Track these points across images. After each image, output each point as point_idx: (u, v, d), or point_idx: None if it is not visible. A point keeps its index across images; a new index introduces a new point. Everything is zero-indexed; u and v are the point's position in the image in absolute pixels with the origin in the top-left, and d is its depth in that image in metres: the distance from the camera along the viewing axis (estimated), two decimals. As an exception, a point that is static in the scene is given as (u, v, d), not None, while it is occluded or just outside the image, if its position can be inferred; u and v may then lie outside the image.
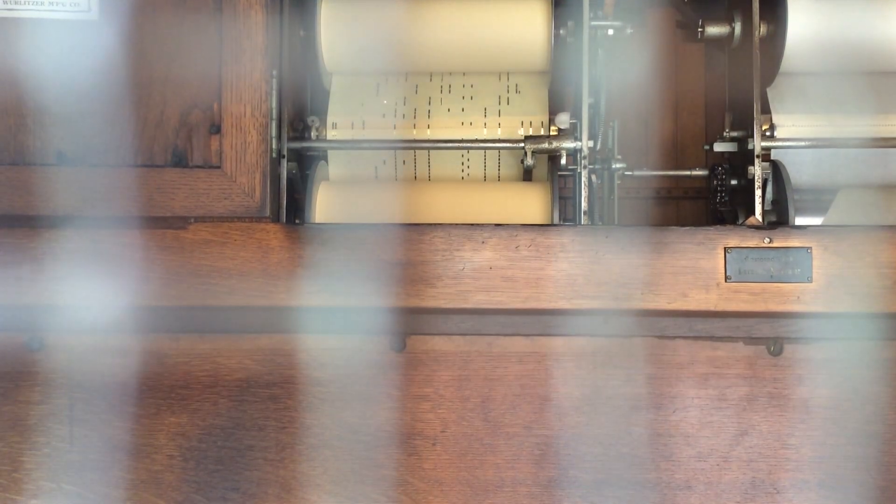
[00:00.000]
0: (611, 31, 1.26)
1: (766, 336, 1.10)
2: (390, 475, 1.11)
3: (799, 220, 1.23)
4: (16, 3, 1.09)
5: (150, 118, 1.08)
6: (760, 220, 1.16)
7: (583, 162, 1.18)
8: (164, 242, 1.07)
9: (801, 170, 1.28)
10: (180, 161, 1.08)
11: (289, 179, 1.15)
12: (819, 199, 1.27)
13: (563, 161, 1.21)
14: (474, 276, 1.07)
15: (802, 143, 1.23)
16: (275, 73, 1.10)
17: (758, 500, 1.10)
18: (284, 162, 1.14)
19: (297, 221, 1.18)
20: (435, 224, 1.08)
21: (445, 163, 1.30)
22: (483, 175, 1.31)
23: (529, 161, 1.21)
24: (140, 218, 1.08)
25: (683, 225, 1.07)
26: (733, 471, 1.10)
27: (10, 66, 1.09)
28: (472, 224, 1.08)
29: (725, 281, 1.06)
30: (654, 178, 1.55)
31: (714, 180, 1.37)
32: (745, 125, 1.26)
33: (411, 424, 1.11)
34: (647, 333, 1.10)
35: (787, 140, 1.24)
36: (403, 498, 1.11)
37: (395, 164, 1.30)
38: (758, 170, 1.18)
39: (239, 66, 1.09)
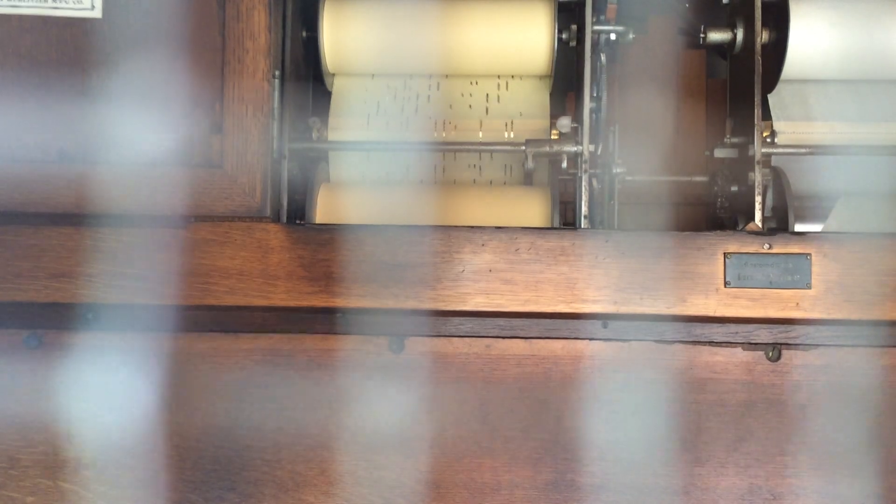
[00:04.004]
0: (613, 36, 1.26)
1: (764, 342, 1.10)
2: (387, 477, 1.11)
3: (799, 227, 1.23)
4: None
5: (152, 117, 1.08)
6: (760, 226, 1.16)
7: (584, 166, 1.18)
8: (164, 241, 1.07)
9: (801, 176, 1.28)
10: (181, 160, 1.08)
11: (290, 180, 1.15)
12: (819, 206, 1.27)
13: (564, 165, 1.21)
14: (474, 278, 1.07)
15: (803, 150, 1.23)
16: (277, 73, 1.11)
17: (755, 506, 1.10)
18: (285, 163, 1.14)
19: (297, 222, 1.18)
20: (435, 226, 1.08)
21: (446, 165, 1.30)
22: (483, 178, 1.31)
23: (530, 164, 1.21)
24: (140, 216, 1.08)
25: (683, 230, 1.08)
26: (731, 476, 1.10)
27: (12, 63, 1.09)
28: (471, 226, 1.08)
29: (725, 286, 1.06)
30: (655, 184, 1.54)
31: (714, 186, 1.37)
32: (745, 131, 1.26)
33: (409, 426, 1.11)
34: (645, 338, 1.10)
35: (788, 147, 1.24)
36: (400, 500, 1.11)
37: (395, 167, 1.30)
38: (758, 176, 1.18)
39: (241, 67, 1.09)
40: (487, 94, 1.31)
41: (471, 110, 1.29)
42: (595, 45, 1.24)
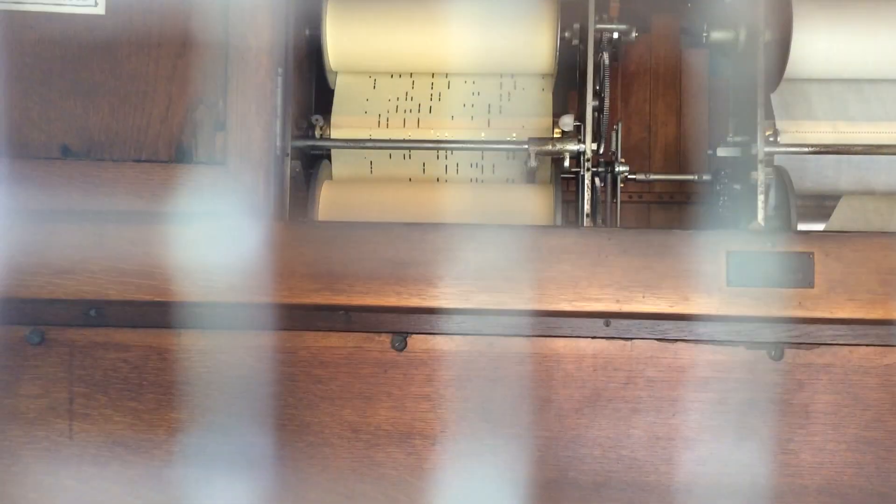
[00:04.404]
0: (616, 35, 1.26)
1: (766, 340, 1.10)
2: (389, 474, 1.11)
3: (801, 226, 1.23)
4: (23, -4, 1.09)
5: (156, 114, 1.09)
6: (763, 224, 1.16)
7: (586, 164, 1.18)
8: (168, 238, 1.07)
9: (803, 175, 1.28)
10: (185, 157, 1.08)
11: (292, 178, 1.15)
12: (821, 205, 1.27)
13: (567, 163, 1.22)
14: (476, 276, 1.07)
15: (806, 150, 1.24)
16: (280, 71, 1.11)
17: (757, 504, 1.10)
18: (288, 160, 1.14)
19: (300, 220, 1.18)
20: (438, 224, 1.08)
21: (449, 163, 1.30)
22: (485, 176, 1.31)
23: (533, 163, 1.21)
24: (143, 213, 1.08)
25: (686, 229, 1.07)
26: (732, 475, 1.10)
27: (15, 59, 1.09)
28: (475, 224, 1.08)
29: (727, 285, 1.06)
30: (658, 182, 1.55)
31: (717, 185, 1.37)
32: (748, 130, 1.26)
33: (411, 424, 1.11)
34: (648, 336, 1.10)
35: (791, 146, 1.24)
36: (402, 497, 1.11)
37: (398, 164, 1.30)
38: (761, 175, 1.18)
39: (245, 64, 1.09)
40: (490, 93, 1.31)
41: (474, 108, 1.29)
42: (598, 43, 1.24)
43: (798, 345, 1.10)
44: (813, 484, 1.10)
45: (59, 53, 1.09)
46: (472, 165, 1.30)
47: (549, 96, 1.31)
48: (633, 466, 1.10)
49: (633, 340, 1.11)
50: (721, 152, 1.33)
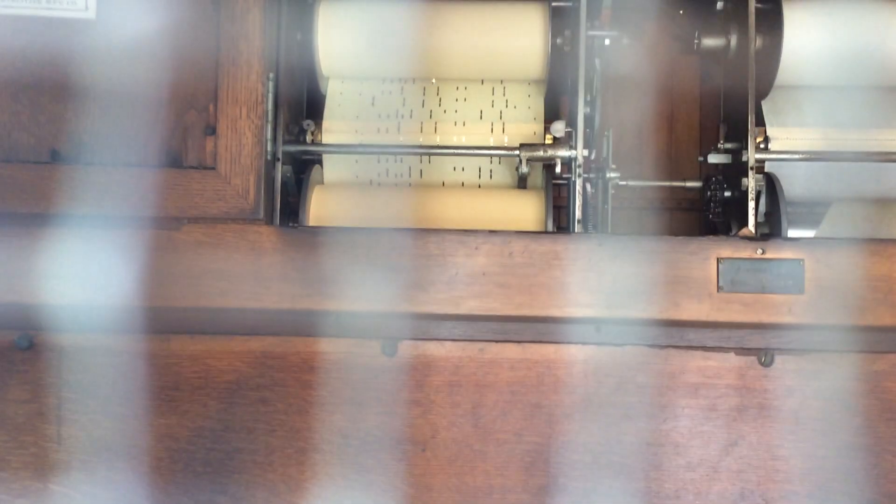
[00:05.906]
0: (607, 41, 1.26)
1: (757, 347, 1.10)
2: (379, 480, 1.11)
3: (792, 233, 1.23)
4: None
5: (146, 118, 1.08)
6: (753, 231, 1.16)
7: (577, 171, 1.18)
8: (157, 243, 1.07)
9: (794, 182, 1.28)
10: (175, 161, 1.08)
11: (283, 183, 1.15)
12: (812, 212, 1.27)
13: (558, 170, 1.22)
14: (467, 281, 1.07)
15: (796, 156, 1.24)
16: (271, 75, 1.10)
17: (747, 511, 1.10)
18: (279, 165, 1.14)
19: (290, 225, 1.18)
20: (428, 229, 1.08)
21: (440, 169, 1.30)
22: (477, 182, 1.31)
23: (524, 169, 1.21)
24: (133, 218, 1.07)
25: (677, 235, 1.08)
26: (722, 481, 1.10)
27: (5, 63, 1.09)
28: (465, 230, 1.08)
29: (717, 291, 1.06)
30: (649, 189, 1.55)
31: (708, 191, 1.37)
32: (739, 137, 1.26)
33: (401, 429, 1.11)
34: (638, 342, 1.10)
35: (782, 153, 1.24)
36: (392, 503, 1.11)
37: (389, 170, 1.30)
38: (751, 182, 1.18)
39: (236, 68, 1.09)
40: (482, 98, 1.31)
41: (465, 114, 1.29)
42: (589, 49, 1.24)
43: (788, 351, 1.10)
44: (803, 490, 1.10)
45: (49, 57, 1.09)
46: (462, 171, 1.30)
47: (541, 102, 1.31)
48: (624, 472, 1.10)
49: (624, 346, 1.11)
50: (712, 159, 1.33)
